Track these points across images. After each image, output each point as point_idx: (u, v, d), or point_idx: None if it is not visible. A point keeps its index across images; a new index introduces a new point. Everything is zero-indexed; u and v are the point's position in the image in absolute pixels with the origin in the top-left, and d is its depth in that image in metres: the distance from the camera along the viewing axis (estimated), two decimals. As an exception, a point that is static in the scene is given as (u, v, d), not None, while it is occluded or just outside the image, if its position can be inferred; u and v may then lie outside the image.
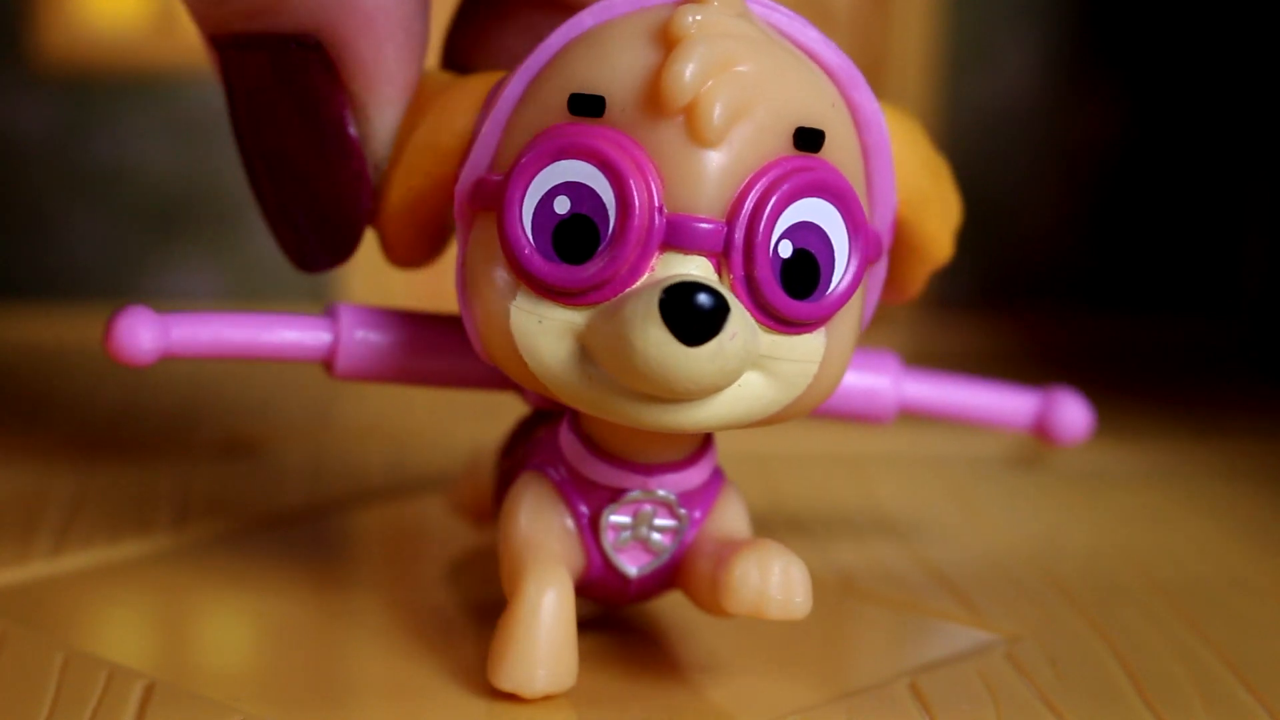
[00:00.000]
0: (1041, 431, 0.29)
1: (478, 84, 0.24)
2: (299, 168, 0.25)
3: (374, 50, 0.24)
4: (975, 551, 0.32)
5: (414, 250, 0.26)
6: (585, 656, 0.26)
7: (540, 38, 0.24)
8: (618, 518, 0.24)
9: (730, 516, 0.25)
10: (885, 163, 0.24)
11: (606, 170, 0.22)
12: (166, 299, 0.49)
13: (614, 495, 0.24)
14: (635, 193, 0.22)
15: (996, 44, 0.51)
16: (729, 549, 0.23)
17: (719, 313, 0.21)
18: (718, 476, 0.25)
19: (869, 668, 0.27)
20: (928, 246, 0.25)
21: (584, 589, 0.25)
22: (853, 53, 0.50)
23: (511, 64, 0.24)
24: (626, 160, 0.22)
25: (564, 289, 0.22)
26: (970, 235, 0.52)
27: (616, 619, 0.27)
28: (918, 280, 0.26)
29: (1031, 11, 0.51)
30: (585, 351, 0.22)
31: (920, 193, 0.25)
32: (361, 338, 0.25)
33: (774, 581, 0.23)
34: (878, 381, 0.27)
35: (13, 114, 0.48)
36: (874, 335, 0.49)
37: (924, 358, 0.48)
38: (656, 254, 0.22)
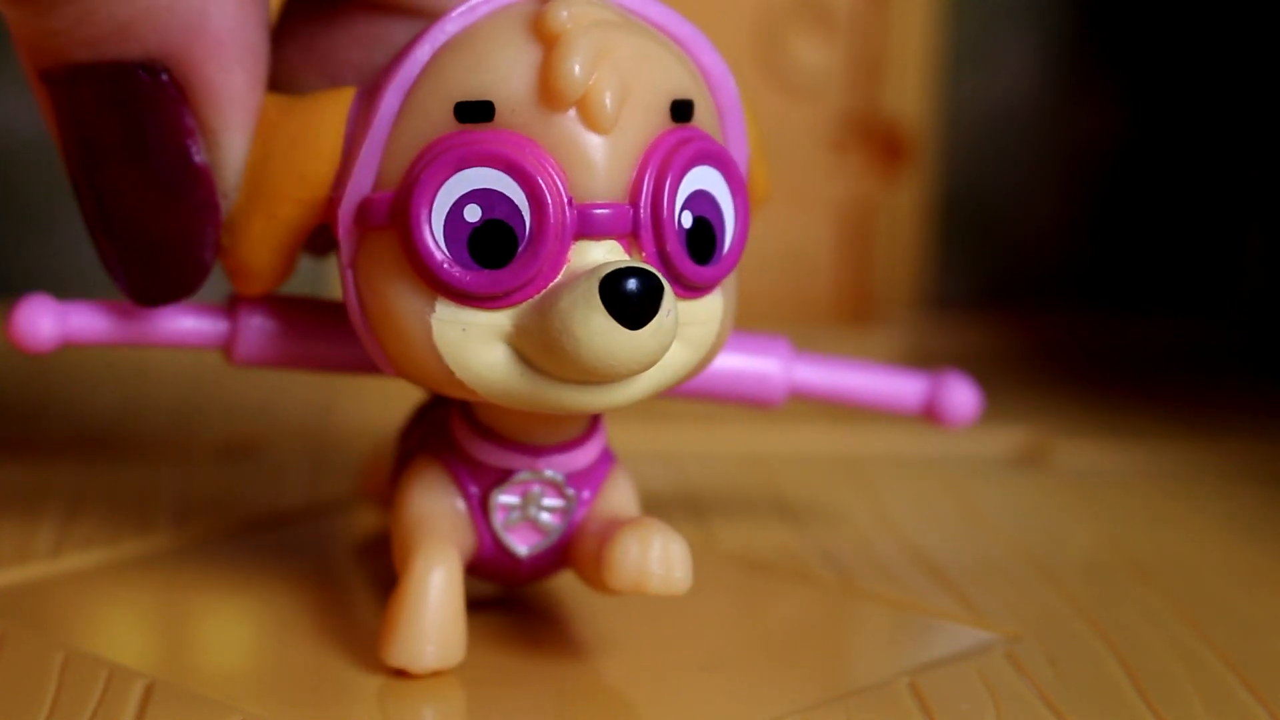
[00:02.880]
0: (930, 414, 0.29)
1: (331, 103, 0.24)
2: (140, 201, 0.24)
3: (224, 75, 0.24)
4: (975, 551, 0.32)
5: (272, 277, 0.25)
6: (586, 656, 0.26)
7: (383, 47, 0.24)
8: (506, 498, 0.25)
9: (618, 496, 0.25)
10: (738, 119, 0.25)
11: (513, 172, 0.22)
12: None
13: (502, 476, 0.25)
14: (546, 190, 0.22)
15: (996, 44, 0.51)
16: (613, 526, 0.24)
17: (655, 294, 0.22)
18: (607, 457, 0.26)
19: (869, 668, 0.27)
20: (756, 189, 0.26)
21: (478, 569, 0.26)
22: (853, 53, 0.50)
23: (355, 77, 0.24)
24: (530, 159, 0.22)
25: (487, 294, 0.22)
26: (970, 235, 0.52)
27: (616, 619, 0.27)
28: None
29: (1031, 12, 0.51)
30: (513, 351, 0.23)
31: (754, 142, 0.26)
32: (259, 325, 0.26)
33: (654, 557, 0.23)
34: (767, 365, 0.28)
35: (12, 114, 0.48)
36: (874, 335, 0.49)
37: (924, 358, 0.48)
38: (571, 245, 0.22)
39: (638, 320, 0.22)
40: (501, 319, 0.23)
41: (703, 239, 0.23)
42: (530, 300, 0.22)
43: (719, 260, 0.23)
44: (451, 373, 0.23)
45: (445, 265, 0.22)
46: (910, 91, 0.49)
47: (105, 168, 0.24)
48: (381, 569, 0.29)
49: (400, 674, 0.24)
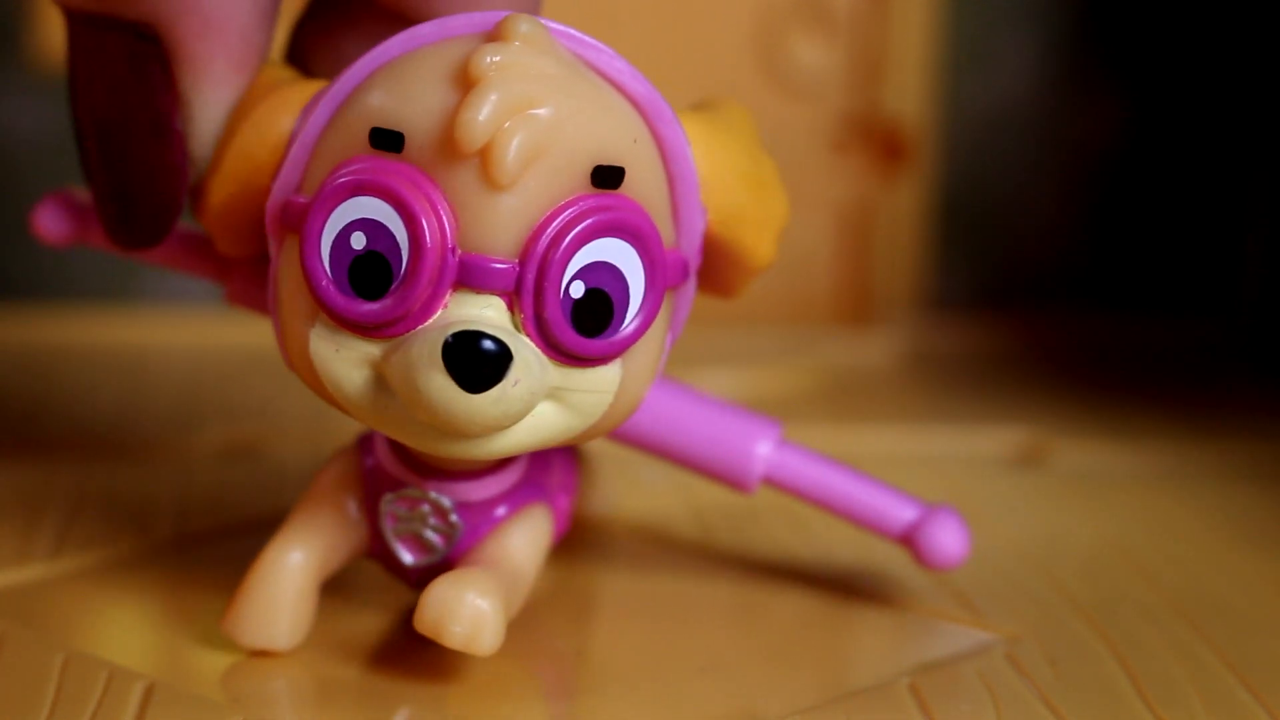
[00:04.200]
0: (910, 546, 0.27)
1: (296, 94, 0.24)
2: (126, 147, 0.25)
3: (207, 53, 0.25)
4: (975, 551, 0.31)
5: (239, 246, 0.26)
6: (587, 654, 0.26)
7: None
8: (394, 508, 0.25)
9: (511, 541, 0.25)
10: (691, 189, 0.24)
11: (400, 209, 0.22)
12: (165, 300, 0.48)
13: (394, 485, 0.25)
14: (427, 233, 0.22)
15: (996, 44, 0.51)
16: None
17: (501, 361, 0.22)
18: (523, 496, 0.26)
19: (869, 668, 0.27)
20: (746, 257, 0.25)
21: (381, 560, 0.26)
22: (853, 53, 0.50)
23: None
24: (420, 200, 0.22)
25: (359, 323, 0.22)
26: (970, 235, 0.52)
27: (616, 619, 0.27)
28: (741, 285, 0.26)
29: (1031, 12, 0.51)
30: (382, 381, 0.23)
31: (736, 209, 0.25)
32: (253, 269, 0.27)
33: (460, 612, 0.23)
34: (746, 450, 0.27)
35: (11, 115, 0.48)
36: (874, 335, 0.49)
37: (924, 358, 0.48)
38: (450, 291, 0.22)
39: (475, 385, 0.22)
40: (373, 349, 0.23)
41: (595, 311, 0.23)
42: (401, 337, 0.22)
43: (613, 334, 0.23)
44: (324, 386, 0.23)
45: (325, 285, 0.22)
46: (910, 92, 0.49)
47: (103, 107, 0.25)
48: (381, 569, 0.29)
49: (259, 654, 0.25)
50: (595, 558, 0.30)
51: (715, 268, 0.26)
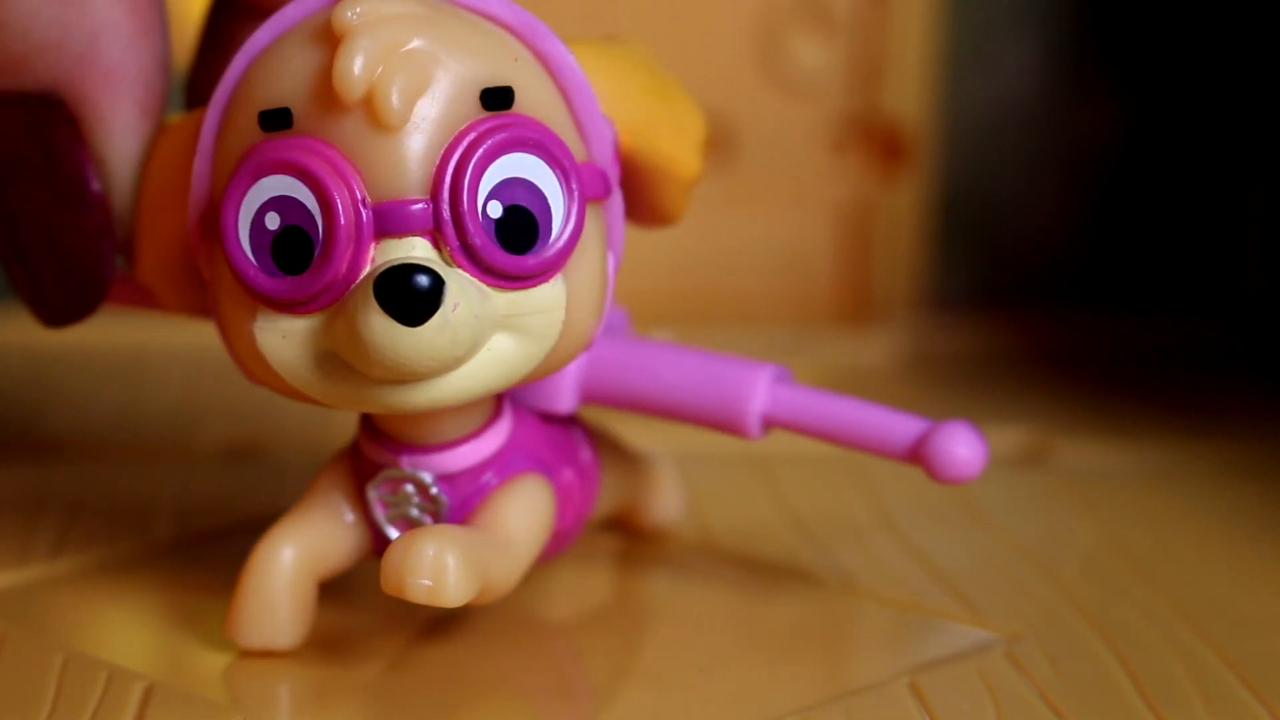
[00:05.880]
0: (922, 461, 0.26)
1: (191, 121, 0.25)
2: (42, 224, 0.25)
3: (113, 105, 0.25)
4: (975, 551, 0.32)
5: (175, 299, 0.26)
6: (587, 654, 0.26)
7: None
8: (380, 493, 0.25)
9: (500, 508, 0.25)
10: (588, 100, 0.24)
11: (303, 177, 0.22)
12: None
13: (375, 470, 0.25)
14: (334, 192, 0.22)
15: (996, 44, 0.51)
16: None
17: (434, 287, 0.22)
18: (513, 465, 0.25)
19: (869, 667, 0.27)
20: (670, 166, 0.26)
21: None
22: (853, 53, 0.50)
23: None
24: (319, 163, 0.22)
25: (294, 300, 0.22)
26: (970, 235, 0.52)
27: (616, 619, 0.27)
28: (675, 201, 0.26)
29: (1031, 12, 0.51)
30: (331, 354, 0.23)
31: (644, 117, 0.25)
32: None
33: (421, 564, 0.23)
34: (744, 392, 0.27)
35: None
36: (874, 335, 0.49)
37: (924, 358, 0.48)
38: (373, 244, 0.22)
39: (415, 317, 0.21)
40: (314, 323, 0.23)
41: (519, 227, 0.23)
42: (336, 303, 0.22)
43: (544, 248, 0.23)
44: (283, 379, 0.23)
45: (253, 274, 0.22)
46: (910, 92, 0.49)
47: (14, 190, 0.25)
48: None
49: (251, 654, 0.25)
50: (595, 558, 0.30)
51: (643, 186, 0.26)
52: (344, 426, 0.38)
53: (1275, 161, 0.51)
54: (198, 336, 0.46)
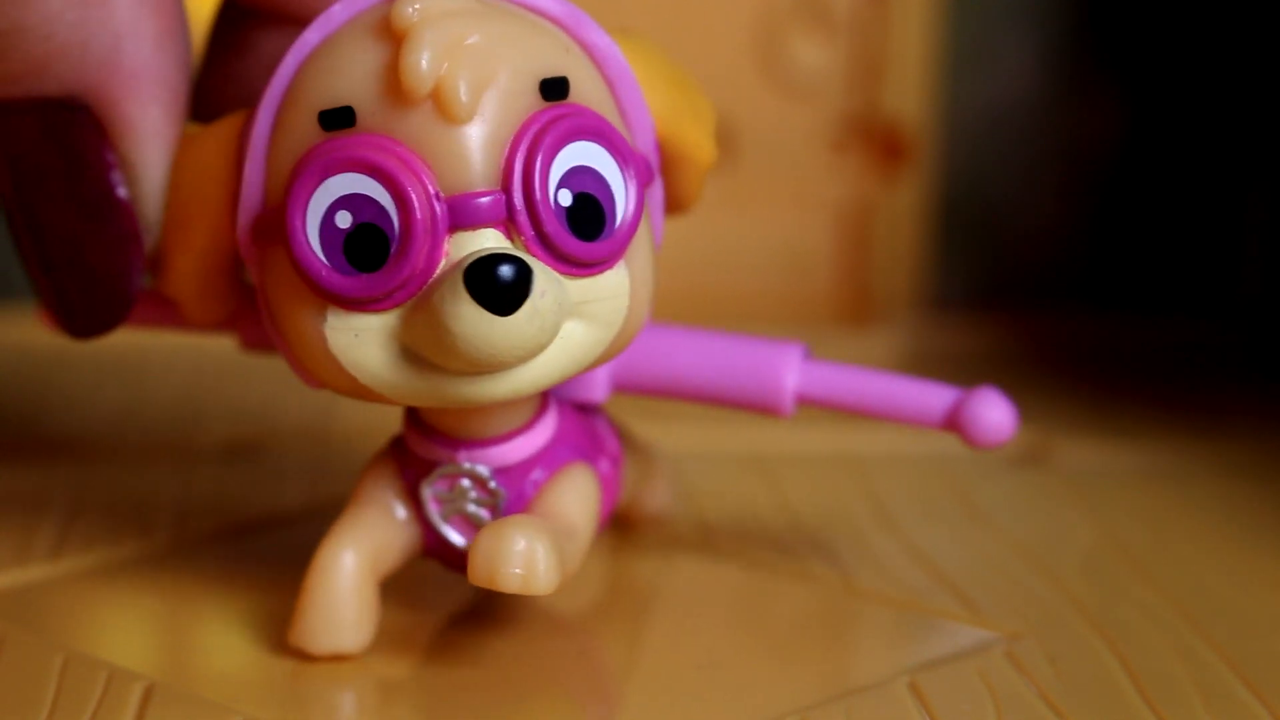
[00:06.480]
0: (957, 428, 0.27)
1: (224, 127, 0.25)
2: (67, 232, 0.25)
3: (140, 109, 0.24)
4: (975, 551, 0.32)
5: (215, 304, 0.26)
6: (587, 654, 0.26)
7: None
8: (434, 489, 0.25)
9: (557, 497, 0.25)
10: (632, 89, 0.24)
11: (375, 174, 0.22)
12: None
13: (429, 468, 0.25)
14: (409, 187, 0.22)
15: (996, 44, 0.51)
16: None
17: (523, 276, 0.22)
18: (559, 456, 0.25)
19: (869, 667, 0.27)
20: (692, 153, 0.26)
21: (438, 556, 0.26)
22: (853, 53, 0.50)
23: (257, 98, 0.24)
24: (391, 159, 0.22)
25: (369, 298, 0.22)
26: (970, 235, 0.52)
27: (616, 619, 0.27)
28: (693, 188, 0.27)
29: (1031, 12, 0.51)
30: (407, 350, 0.23)
31: (672, 106, 0.26)
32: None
33: (511, 554, 0.23)
34: (776, 370, 0.27)
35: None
36: (874, 335, 0.49)
37: (924, 358, 0.48)
38: (447, 238, 0.22)
39: (506, 306, 0.22)
40: (390, 320, 0.23)
41: (588, 215, 0.23)
42: (414, 298, 0.22)
43: (611, 234, 0.23)
44: (354, 378, 0.23)
45: (325, 273, 0.22)
46: (910, 91, 0.49)
47: (39, 199, 0.25)
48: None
49: (307, 658, 0.25)
50: (592, 555, 0.30)
51: (668, 171, 0.26)
52: (344, 427, 0.38)
53: (1275, 162, 0.51)
54: (198, 337, 0.46)
